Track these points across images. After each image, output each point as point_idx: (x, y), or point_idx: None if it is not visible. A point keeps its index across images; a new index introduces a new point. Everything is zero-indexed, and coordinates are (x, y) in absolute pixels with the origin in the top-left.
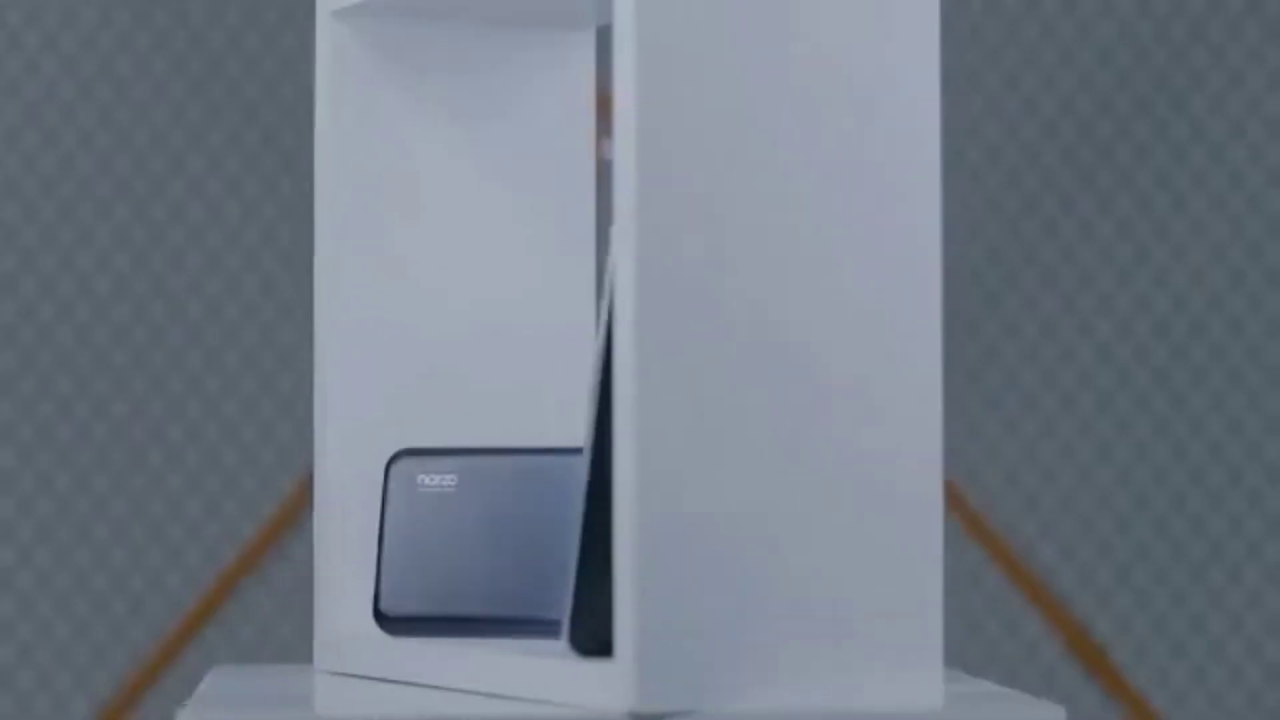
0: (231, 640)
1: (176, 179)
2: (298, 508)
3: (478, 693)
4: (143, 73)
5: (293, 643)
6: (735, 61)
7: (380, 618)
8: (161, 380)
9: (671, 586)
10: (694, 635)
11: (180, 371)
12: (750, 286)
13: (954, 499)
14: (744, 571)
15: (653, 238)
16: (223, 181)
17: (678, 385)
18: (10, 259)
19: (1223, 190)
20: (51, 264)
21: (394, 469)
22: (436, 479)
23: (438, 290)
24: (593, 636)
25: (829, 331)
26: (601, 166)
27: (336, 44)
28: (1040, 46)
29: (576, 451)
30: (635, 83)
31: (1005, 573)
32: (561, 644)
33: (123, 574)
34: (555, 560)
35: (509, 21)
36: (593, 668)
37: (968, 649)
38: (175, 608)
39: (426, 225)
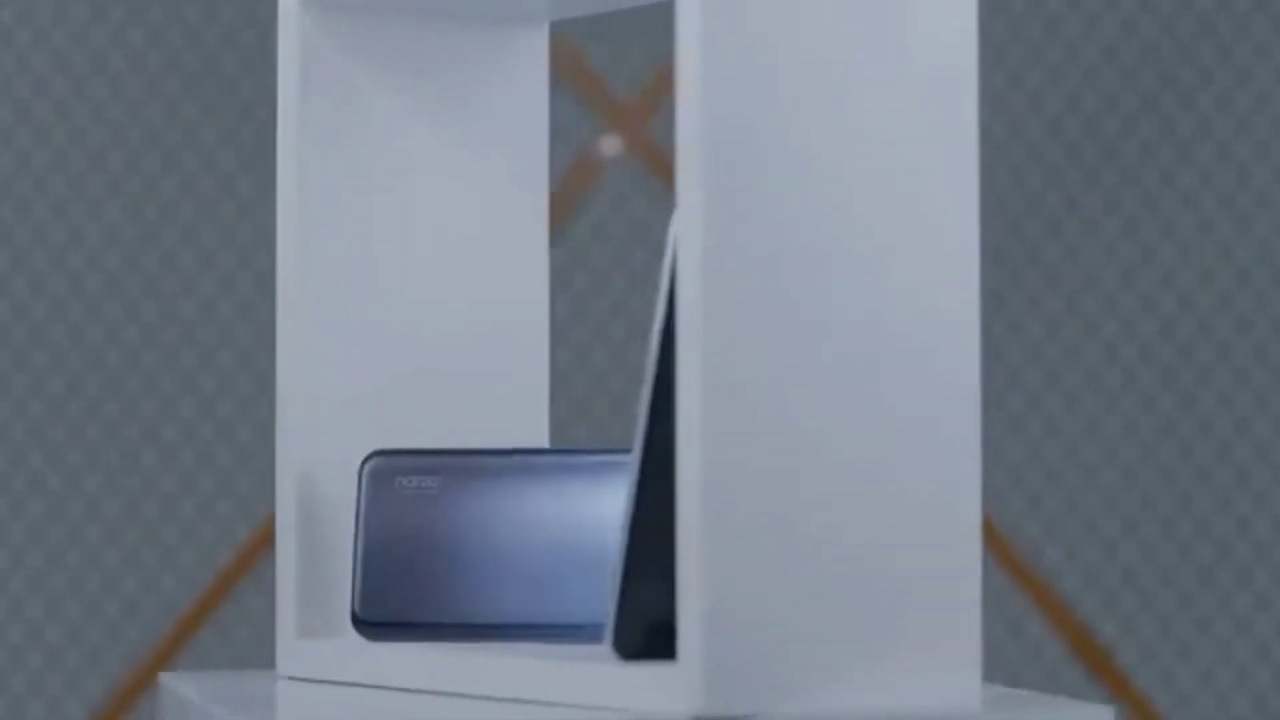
0: (227, 642)
1: (170, 177)
2: None
3: (514, 699)
4: (136, 69)
5: None
6: (794, 61)
7: (358, 623)
8: (155, 380)
9: (734, 589)
10: (755, 638)
11: (174, 371)
12: (808, 283)
13: None
14: (801, 574)
15: (718, 234)
16: (217, 179)
17: (742, 387)
18: (2, 258)
19: (1230, 188)
20: (44, 262)
21: (368, 470)
22: (415, 480)
23: (395, 287)
24: (639, 640)
25: (881, 333)
26: (604, 164)
27: (301, 33)
28: (1044, 44)
29: (565, 452)
30: (701, 70)
31: (1009, 574)
32: (603, 647)
33: (116, 576)
34: (546, 563)
35: (462, 17)
36: (650, 671)
37: None
38: (170, 610)
39: (387, 221)
